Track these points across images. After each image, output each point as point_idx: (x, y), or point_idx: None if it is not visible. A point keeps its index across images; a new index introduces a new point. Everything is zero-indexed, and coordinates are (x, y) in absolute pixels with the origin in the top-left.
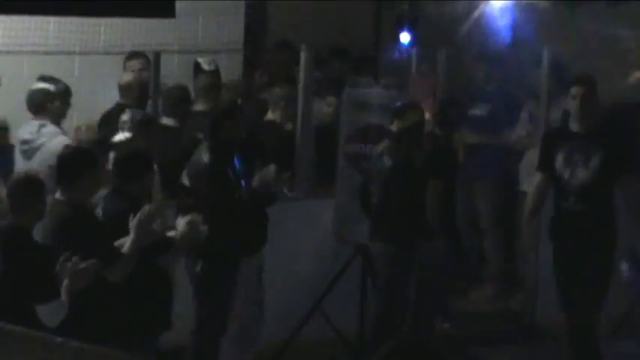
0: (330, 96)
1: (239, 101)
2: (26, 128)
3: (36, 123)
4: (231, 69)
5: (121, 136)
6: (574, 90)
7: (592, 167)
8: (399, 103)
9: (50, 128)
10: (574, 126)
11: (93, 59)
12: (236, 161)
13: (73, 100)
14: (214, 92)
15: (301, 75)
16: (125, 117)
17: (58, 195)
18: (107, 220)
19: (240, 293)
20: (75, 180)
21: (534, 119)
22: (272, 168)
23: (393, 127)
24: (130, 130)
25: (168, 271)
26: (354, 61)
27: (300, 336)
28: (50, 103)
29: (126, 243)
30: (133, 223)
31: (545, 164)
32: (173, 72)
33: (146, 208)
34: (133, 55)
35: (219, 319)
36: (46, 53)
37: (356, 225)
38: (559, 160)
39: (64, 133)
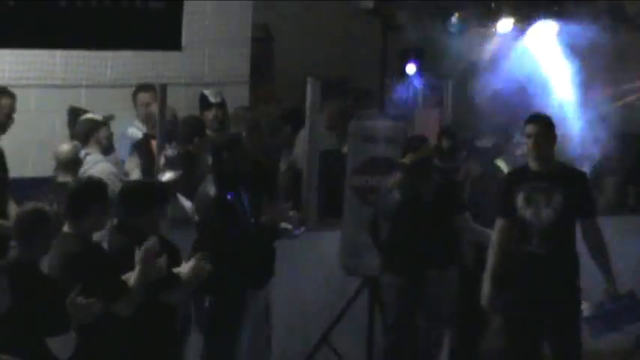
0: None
1: (243, 133)
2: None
3: (82, 152)
4: (237, 101)
5: (170, 175)
6: (529, 128)
7: (555, 207)
8: (410, 136)
9: (95, 157)
10: (533, 165)
11: (99, 92)
12: (242, 194)
13: None
14: (221, 124)
15: (307, 108)
16: (169, 153)
17: (66, 228)
18: (113, 254)
19: (248, 328)
20: (83, 214)
21: None
22: (283, 206)
23: (406, 160)
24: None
25: (175, 307)
26: (360, 93)
27: None
28: (96, 132)
29: (131, 277)
30: (137, 257)
31: (507, 208)
32: (179, 104)
33: (150, 242)
34: (142, 87)
35: (227, 355)
36: (53, 86)
37: (363, 257)
38: (520, 201)
39: (108, 161)
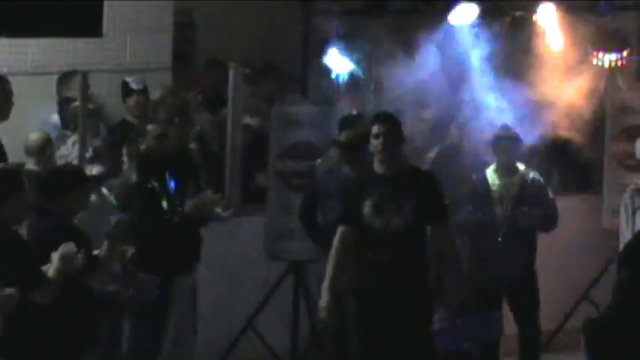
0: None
1: (175, 120)
2: (63, 144)
3: (71, 139)
4: (159, 88)
5: (99, 169)
6: (375, 128)
7: (405, 215)
8: (346, 114)
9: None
10: (380, 169)
11: (20, 80)
12: (167, 180)
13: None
14: (143, 111)
15: (230, 93)
16: (96, 144)
17: None
18: (33, 241)
19: (174, 313)
20: (4, 201)
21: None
22: (208, 194)
23: (342, 138)
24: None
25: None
26: (282, 79)
27: (234, 353)
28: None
29: (50, 268)
30: (55, 256)
31: (351, 214)
32: (101, 91)
33: (65, 249)
34: (72, 73)
35: (152, 339)
36: None
37: (287, 242)
38: (367, 208)
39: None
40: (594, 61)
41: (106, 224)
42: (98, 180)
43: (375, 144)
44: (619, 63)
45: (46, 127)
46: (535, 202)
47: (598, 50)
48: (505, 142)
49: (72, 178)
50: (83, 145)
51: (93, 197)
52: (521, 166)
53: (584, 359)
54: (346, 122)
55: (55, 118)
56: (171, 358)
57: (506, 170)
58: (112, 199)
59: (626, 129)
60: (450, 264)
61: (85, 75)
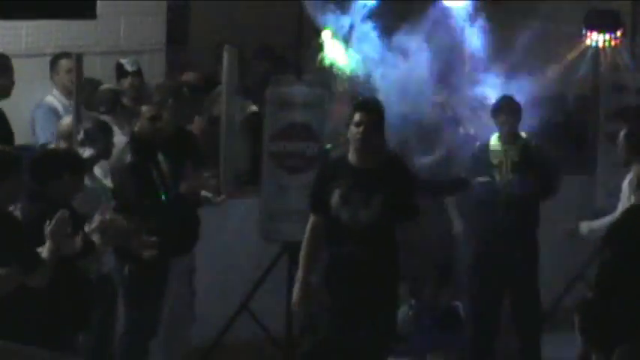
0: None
1: (170, 101)
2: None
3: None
4: (154, 69)
5: (91, 152)
6: (357, 116)
7: (374, 208)
8: (363, 97)
9: (115, 129)
10: (354, 159)
11: (15, 62)
12: (162, 161)
13: None
14: (137, 92)
15: (224, 76)
16: (88, 126)
17: None
18: (26, 224)
19: (171, 295)
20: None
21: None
22: (203, 175)
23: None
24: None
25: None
26: (276, 60)
27: (229, 335)
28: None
29: (44, 250)
30: (47, 230)
31: (320, 204)
32: (96, 73)
33: (60, 214)
34: (63, 55)
35: (148, 321)
36: None
37: (281, 223)
38: (335, 199)
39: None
40: (587, 42)
41: (97, 207)
42: (90, 162)
43: (354, 132)
44: (613, 43)
45: (39, 109)
46: (535, 168)
47: (591, 30)
48: (506, 112)
49: (64, 161)
50: (76, 127)
51: (85, 180)
52: (523, 134)
53: (578, 340)
54: (360, 105)
55: (50, 99)
56: (167, 341)
57: (508, 137)
58: (103, 181)
59: (622, 109)
60: (414, 257)
61: (79, 57)
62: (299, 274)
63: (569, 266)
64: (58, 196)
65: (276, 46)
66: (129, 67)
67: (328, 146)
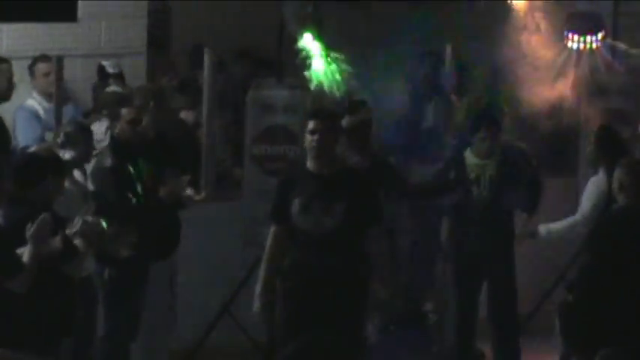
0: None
1: (151, 104)
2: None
3: (105, 125)
4: (135, 72)
5: (71, 154)
6: (311, 124)
7: (335, 216)
8: (350, 99)
9: None
10: (312, 167)
11: None
12: (142, 165)
13: None
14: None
15: (205, 78)
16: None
17: None
18: (7, 228)
19: (152, 298)
20: None
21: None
22: (183, 180)
23: (344, 123)
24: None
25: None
26: (257, 63)
27: (210, 339)
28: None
29: (24, 253)
30: (29, 233)
31: (281, 212)
32: (76, 76)
33: (41, 218)
34: (41, 58)
35: (128, 325)
36: None
37: (263, 226)
38: (296, 208)
39: None
40: (569, 44)
41: (78, 210)
42: (70, 165)
43: (309, 140)
44: (594, 46)
45: (20, 112)
46: (514, 184)
47: (573, 33)
48: (486, 128)
49: (46, 165)
50: (57, 130)
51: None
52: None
53: (559, 343)
54: (350, 107)
55: (30, 102)
56: (145, 345)
57: (487, 152)
58: (85, 184)
59: (604, 111)
60: (380, 266)
61: (59, 59)
62: (258, 286)
63: (550, 269)
64: (41, 199)
65: (258, 49)
66: (110, 70)
67: None
